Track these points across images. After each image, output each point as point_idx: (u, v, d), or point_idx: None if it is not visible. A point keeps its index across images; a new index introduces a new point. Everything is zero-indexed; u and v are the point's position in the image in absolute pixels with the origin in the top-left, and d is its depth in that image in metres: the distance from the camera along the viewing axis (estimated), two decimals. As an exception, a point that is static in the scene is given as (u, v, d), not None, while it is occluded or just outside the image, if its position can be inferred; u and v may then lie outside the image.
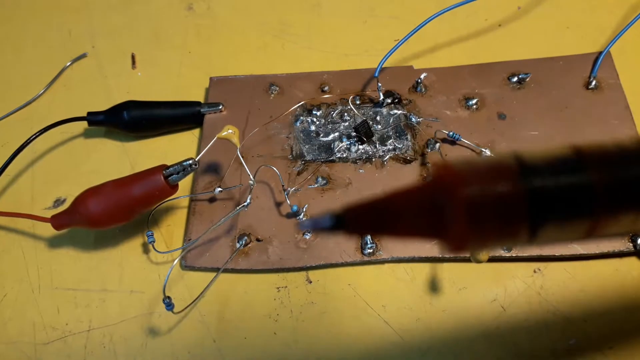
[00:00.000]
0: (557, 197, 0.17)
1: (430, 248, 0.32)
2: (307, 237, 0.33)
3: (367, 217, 0.18)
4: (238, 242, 0.33)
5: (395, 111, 0.38)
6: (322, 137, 0.37)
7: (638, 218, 0.18)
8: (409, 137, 0.36)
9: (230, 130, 0.33)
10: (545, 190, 0.17)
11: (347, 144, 0.36)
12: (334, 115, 0.38)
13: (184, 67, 0.43)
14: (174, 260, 0.34)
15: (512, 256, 0.32)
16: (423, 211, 0.18)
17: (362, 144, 0.36)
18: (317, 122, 0.38)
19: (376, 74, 0.37)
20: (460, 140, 0.35)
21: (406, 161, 0.35)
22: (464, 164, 0.18)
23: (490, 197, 0.17)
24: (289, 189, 0.34)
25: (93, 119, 0.38)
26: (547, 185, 0.17)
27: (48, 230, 0.33)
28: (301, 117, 0.38)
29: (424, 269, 0.33)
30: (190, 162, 0.32)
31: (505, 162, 0.18)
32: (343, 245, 0.33)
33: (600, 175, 0.17)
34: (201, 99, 0.40)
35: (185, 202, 0.36)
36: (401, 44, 0.37)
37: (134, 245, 0.35)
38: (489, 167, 0.18)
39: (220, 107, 0.38)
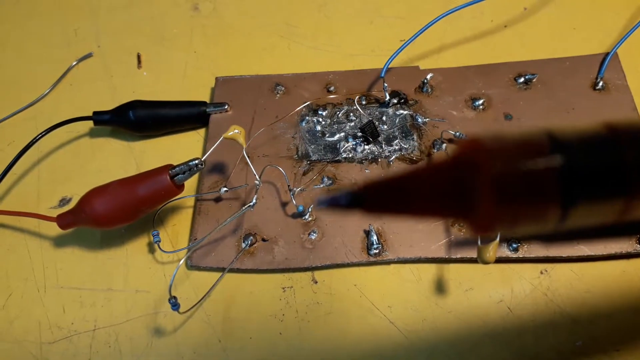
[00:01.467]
0: (590, 176, 0.16)
1: (437, 249, 0.32)
2: (313, 237, 0.33)
3: (386, 195, 0.17)
4: (244, 242, 0.33)
5: (402, 111, 0.37)
6: (328, 137, 0.37)
7: None
8: (415, 137, 0.36)
9: (236, 130, 0.33)
10: (578, 167, 0.16)
11: (353, 144, 0.36)
12: (339, 115, 0.38)
13: (189, 67, 0.43)
14: (179, 260, 0.34)
15: (519, 257, 0.32)
16: (447, 189, 0.16)
17: (368, 144, 0.36)
18: (323, 122, 0.37)
19: (382, 74, 0.37)
20: (467, 140, 0.35)
21: (412, 161, 0.35)
22: (492, 138, 0.16)
23: (520, 174, 0.16)
24: (294, 189, 0.34)
25: (99, 118, 0.38)
26: (580, 163, 0.16)
27: (54, 229, 0.33)
28: (307, 117, 0.38)
29: (430, 269, 0.33)
30: (196, 161, 0.31)
31: (536, 137, 0.17)
32: (349, 245, 0.33)
33: (635, 153, 0.16)
34: (207, 99, 0.40)
35: (190, 201, 0.36)
36: (407, 44, 0.37)
37: (139, 244, 0.35)
38: (518, 143, 0.16)
39: (225, 107, 0.38)
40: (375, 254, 0.32)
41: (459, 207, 0.16)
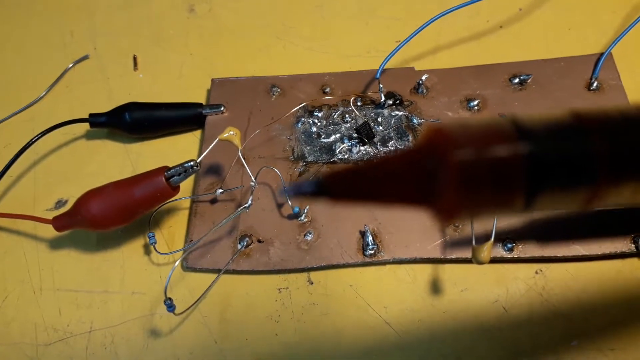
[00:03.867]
0: (556, 164, 0.16)
1: (432, 249, 0.32)
2: (309, 238, 0.33)
3: (351, 183, 0.17)
4: (239, 243, 0.33)
5: (397, 112, 0.38)
6: (324, 138, 0.37)
7: (638, 188, 0.17)
8: (410, 138, 0.36)
9: (231, 132, 0.33)
10: (543, 155, 0.16)
11: (348, 146, 0.36)
12: (335, 116, 0.38)
13: (185, 69, 0.43)
14: (175, 262, 0.34)
15: (514, 257, 0.32)
16: (411, 177, 0.16)
17: (363, 145, 0.36)
18: (319, 124, 0.38)
19: (377, 76, 0.37)
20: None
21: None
22: (457, 126, 0.16)
23: (485, 161, 0.16)
24: (284, 188, 0.34)
25: (95, 120, 0.38)
26: (546, 151, 0.16)
27: (50, 231, 0.33)
28: (302, 119, 0.38)
29: (426, 270, 0.33)
30: (192, 163, 0.32)
31: (502, 125, 0.16)
32: (344, 246, 0.33)
33: (602, 142, 0.16)
34: (203, 101, 0.40)
35: (186, 203, 0.36)
36: (402, 45, 0.37)
37: (135, 246, 0.35)
38: (484, 130, 0.16)
39: (221, 109, 0.39)
40: (370, 254, 0.32)
41: (423, 194, 0.16)
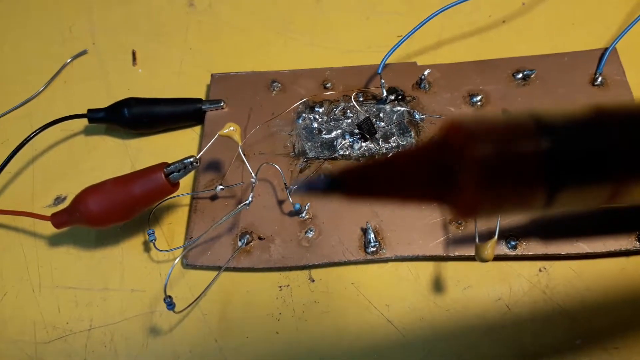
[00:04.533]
0: (577, 160, 0.16)
1: (435, 246, 0.32)
2: (310, 236, 0.33)
3: (365, 179, 0.17)
4: (240, 240, 0.33)
5: (399, 108, 0.37)
6: (325, 134, 0.37)
7: None
8: (412, 134, 0.36)
9: (231, 128, 0.33)
10: (565, 152, 0.16)
11: (350, 141, 0.36)
12: (336, 112, 0.37)
13: (185, 64, 0.43)
14: (175, 259, 0.34)
15: (517, 255, 0.31)
16: (428, 173, 0.16)
17: (365, 141, 0.36)
18: (320, 119, 0.37)
19: (379, 71, 0.37)
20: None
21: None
22: (476, 121, 0.16)
23: (505, 158, 0.15)
24: (291, 186, 0.34)
25: (93, 116, 0.38)
26: (567, 147, 0.16)
27: (48, 228, 0.33)
28: (303, 114, 0.37)
29: (428, 267, 0.32)
30: (192, 159, 0.31)
31: (522, 120, 0.16)
32: (346, 243, 0.33)
33: (623, 137, 0.16)
34: (202, 96, 0.40)
35: (186, 200, 0.36)
36: (404, 40, 0.37)
37: (135, 243, 0.35)
38: (503, 126, 0.16)
39: (221, 104, 0.38)
40: (372, 252, 0.32)
41: (440, 191, 0.16)
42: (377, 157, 0.15)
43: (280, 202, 0.34)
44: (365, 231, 0.32)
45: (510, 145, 0.15)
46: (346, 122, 0.37)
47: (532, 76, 0.37)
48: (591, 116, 0.16)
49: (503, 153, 0.15)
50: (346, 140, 0.36)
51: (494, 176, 0.15)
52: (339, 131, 0.37)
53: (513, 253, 0.31)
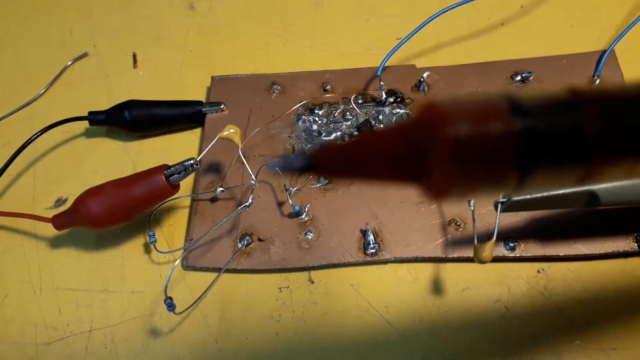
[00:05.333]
0: (550, 140, 0.16)
1: (434, 248, 0.32)
2: (310, 237, 0.33)
3: (340, 158, 0.17)
4: (240, 242, 0.33)
5: (398, 110, 0.37)
6: (324, 136, 0.37)
7: (635, 166, 0.17)
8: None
9: (231, 130, 0.33)
10: (537, 132, 0.16)
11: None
12: (336, 114, 0.38)
13: (185, 67, 0.43)
14: (175, 261, 0.34)
15: (515, 256, 0.32)
16: (402, 153, 0.16)
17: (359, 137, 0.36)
18: (319, 122, 0.37)
19: (378, 73, 0.37)
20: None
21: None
22: (449, 102, 0.16)
23: (477, 137, 0.15)
24: (291, 188, 0.34)
25: (94, 118, 0.38)
26: (539, 127, 0.16)
27: (49, 230, 0.33)
28: (303, 117, 0.38)
29: (427, 269, 0.32)
30: (192, 161, 0.31)
31: (495, 101, 0.16)
32: (345, 245, 0.33)
33: (597, 118, 0.16)
34: (203, 99, 0.40)
35: (186, 202, 0.36)
36: (403, 42, 0.37)
37: (135, 245, 0.35)
38: (476, 106, 0.16)
39: (221, 107, 0.38)
40: (372, 253, 0.32)
41: (413, 170, 0.16)
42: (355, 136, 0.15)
43: (280, 204, 0.34)
44: (364, 233, 0.33)
45: (482, 125, 0.15)
46: (346, 124, 0.37)
47: (531, 78, 0.38)
48: (565, 97, 0.16)
49: (475, 133, 0.15)
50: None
51: (466, 156, 0.15)
52: (339, 133, 0.37)
53: (512, 254, 0.32)
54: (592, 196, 0.28)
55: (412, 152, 0.16)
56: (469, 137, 0.15)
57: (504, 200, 0.29)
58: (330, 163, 0.17)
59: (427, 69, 0.39)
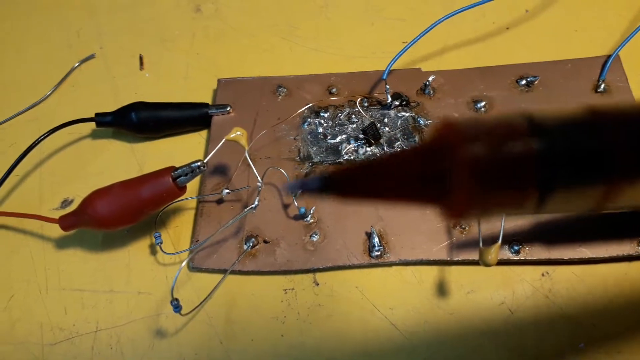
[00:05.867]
0: (569, 161, 0.16)
1: (439, 251, 0.32)
2: (315, 239, 0.33)
3: (359, 179, 0.17)
4: (245, 243, 0.33)
5: (403, 113, 0.37)
6: (330, 139, 0.37)
7: None
8: (417, 139, 0.36)
9: (238, 132, 0.33)
10: (557, 153, 0.15)
11: (354, 146, 0.36)
12: (341, 117, 0.38)
13: (191, 69, 0.43)
14: (181, 262, 0.34)
15: (520, 259, 0.32)
16: (421, 173, 0.16)
17: (369, 146, 0.36)
18: (325, 124, 0.38)
19: (384, 76, 0.37)
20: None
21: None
22: (469, 122, 0.16)
23: (497, 158, 0.15)
24: (292, 188, 0.34)
25: (101, 120, 0.38)
26: (559, 148, 0.15)
27: (56, 231, 0.33)
28: (309, 119, 0.38)
29: (432, 271, 0.33)
30: (199, 163, 0.32)
31: (515, 121, 0.16)
32: (350, 247, 0.33)
33: (617, 139, 0.16)
34: (209, 101, 0.40)
35: (192, 203, 0.36)
36: (409, 46, 0.37)
37: (141, 246, 0.35)
38: (496, 127, 0.16)
39: (228, 109, 0.38)
40: (376, 255, 0.32)
41: (433, 191, 0.16)
42: (371, 158, 0.15)
43: (286, 206, 0.35)
44: (369, 235, 0.33)
45: (502, 146, 0.15)
46: (351, 127, 0.37)
47: (536, 83, 0.38)
48: (585, 117, 0.16)
49: (494, 154, 0.15)
50: (351, 145, 0.36)
51: (486, 177, 0.15)
52: (344, 136, 0.37)
53: (516, 258, 0.32)
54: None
55: (431, 173, 0.16)
56: (488, 157, 0.15)
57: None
58: (348, 184, 0.17)
59: (432, 72, 0.39)
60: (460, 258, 0.32)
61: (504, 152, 0.15)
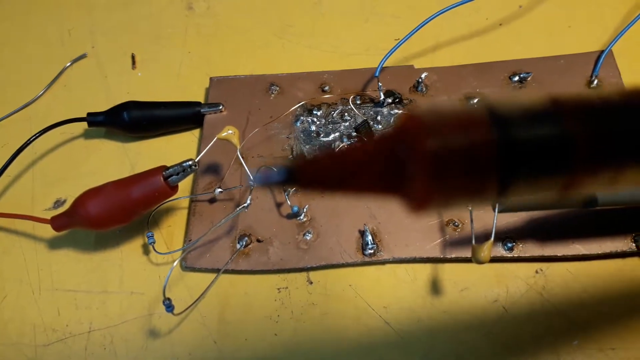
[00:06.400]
0: (529, 150, 0.16)
1: (432, 248, 0.32)
2: (308, 238, 0.33)
3: (321, 171, 0.17)
4: (238, 243, 0.33)
5: (396, 111, 0.37)
6: (323, 137, 0.37)
7: (617, 175, 0.16)
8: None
9: (230, 131, 0.33)
10: (517, 141, 0.15)
11: (347, 144, 0.36)
12: (334, 115, 0.38)
13: (184, 67, 0.43)
14: (174, 261, 0.34)
15: (514, 257, 0.32)
16: (381, 165, 0.16)
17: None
18: (318, 122, 0.37)
19: (377, 74, 0.37)
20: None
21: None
22: (430, 113, 0.16)
23: (457, 149, 0.15)
24: (289, 189, 0.34)
25: (93, 119, 0.38)
26: (520, 137, 0.15)
27: (48, 231, 0.33)
28: (301, 117, 0.38)
29: (425, 269, 0.32)
30: (190, 163, 0.31)
31: (476, 111, 0.16)
32: (344, 245, 0.33)
33: (579, 127, 0.16)
34: (201, 99, 0.40)
35: (185, 202, 0.36)
36: (402, 43, 0.37)
37: (134, 246, 0.35)
38: (457, 117, 0.16)
39: (220, 108, 0.38)
40: (370, 254, 0.32)
41: (394, 182, 0.16)
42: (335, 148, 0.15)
43: (279, 205, 0.34)
44: (362, 233, 0.33)
45: (461, 136, 0.15)
46: (344, 125, 0.37)
47: (529, 79, 0.38)
48: (546, 106, 0.16)
49: (454, 144, 0.15)
50: (344, 143, 0.36)
51: (445, 168, 0.15)
52: (337, 134, 0.37)
53: (510, 255, 0.32)
54: (591, 196, 0.28)
55: (392, 164, 0.16)
56: (447, 147, 0.15)
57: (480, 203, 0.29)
58: (311, 176, 0.17)
59: (425, 69, 0.39)
60: (453, 255, 0.32)
61: (463, 142, 0.15)
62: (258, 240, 0.33)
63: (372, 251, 0.32)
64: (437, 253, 0.32)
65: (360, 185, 0.17)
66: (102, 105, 0.39)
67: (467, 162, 0.15)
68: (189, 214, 0.35)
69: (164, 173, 0.31)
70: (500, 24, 0.42)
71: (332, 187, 0.17)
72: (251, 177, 0.33)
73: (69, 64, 0.44)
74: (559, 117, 0.16)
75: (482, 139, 0.15)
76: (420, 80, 0.38)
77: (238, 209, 0.33)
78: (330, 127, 0.37)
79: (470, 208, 0.31)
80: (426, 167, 0.15)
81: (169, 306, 0.30)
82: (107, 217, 0.32)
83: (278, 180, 0.16)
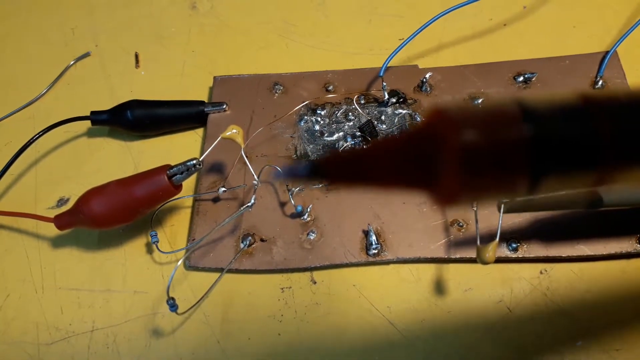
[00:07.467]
0: (561, 146, 0.16)
1: (436, 248, 0.32)
2: (312, 238, 0.33)
3: (349, 165, 0.17)
4: (242, 242, 0.33)
5: (400, 111, 0.37)
6: (327, 136, 0.37)
7: None
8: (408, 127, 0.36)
9: (234, 130, 0.33)
10: (549, 138, 0.16)
11: (351, 144, 0.36)
12: (338, 114, 0.38)
13: (187, 66, 0.43)
14: (177, 261, 0.34)
15: (518, 257, 0.32)
16: (411, 159, 0.16)
17: (366, 144, 0.36)
18: (322, 122, 0.37)
19: (381, 74, 0.37)
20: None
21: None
22: (459, 108, 0.16)
23: (488, 143, 0.15)
24: (293, 189, 0.34)
25: (96, 118, 0.38)
26: (552, 133, 0.16)
27: (51, 230, 0.33)
28: (305, 117, 0.38)
29: (429, 269, 0.32)
30: (194, 162, 0.31)
31: (506, 107, 0.16)
32: (348, 245, 0.33)
33: (609, 125, 0.16)
34: (205, 99, 0.40)
35: (189, 202, 0.36)
36: (406, 43, 0.37)
37: (137, 245, 0.35)
38: (487, 113, 0.16)
39: (224, 107, 0.38)
40: (374, 254, 0.32)
41: (423, 177, 0.16)
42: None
43: (282, 204, 0.34)
44: (366, 233, 0.33)
45: (493, 132, 0.15)
46: (348, 125, 0.37)
47: (533, 79, 0.38)
48: (576, 103, 0.16)
49: (485, 140, 0.15)
50: (348, 143, 0.36)
51: (476, 163, 0.15)
52: (341, 133, 0.37)
53: (514, 255, 0.31)
54: (596, 197, 0.28)
55: (422, 159, 0.16)
56: (479, 143, 0.15)
57: (507, 200, 0.29)
58: (338, 171, 0.17)
59: (429, 69, 0.39)
60: (457, 256, 0.32)
61: (495, 138, 0.15)
62: (262, 240, 0.33)
63: (376, 251, 0.32)
64: (441, 253, 0.32)
65: (387, 180, 0.17)
66: (106, 104, 0.39)
67: (499, 157, 0.15)
68: (192, 213, 0.35)
69: (167, 172, 0.31)
70: (505, 25, 0.42)
71: (359, 181, 0.17)
72: (255, 176, 0.33)
73: (72, 63, 0.44)
74: (589, 114, 0.16)
75: (515, 134, 0.15)
76: (424, 80, 0.38)
77: (242, 208, 0.33)
78: (334, 126, 0.37)
79: (475, 208, 0.31)
80: (457, 162, 0.15)
81: (172, 305, 0.30)
82: (111, 216, 0.32)
83: (304, 174, 0.16)
